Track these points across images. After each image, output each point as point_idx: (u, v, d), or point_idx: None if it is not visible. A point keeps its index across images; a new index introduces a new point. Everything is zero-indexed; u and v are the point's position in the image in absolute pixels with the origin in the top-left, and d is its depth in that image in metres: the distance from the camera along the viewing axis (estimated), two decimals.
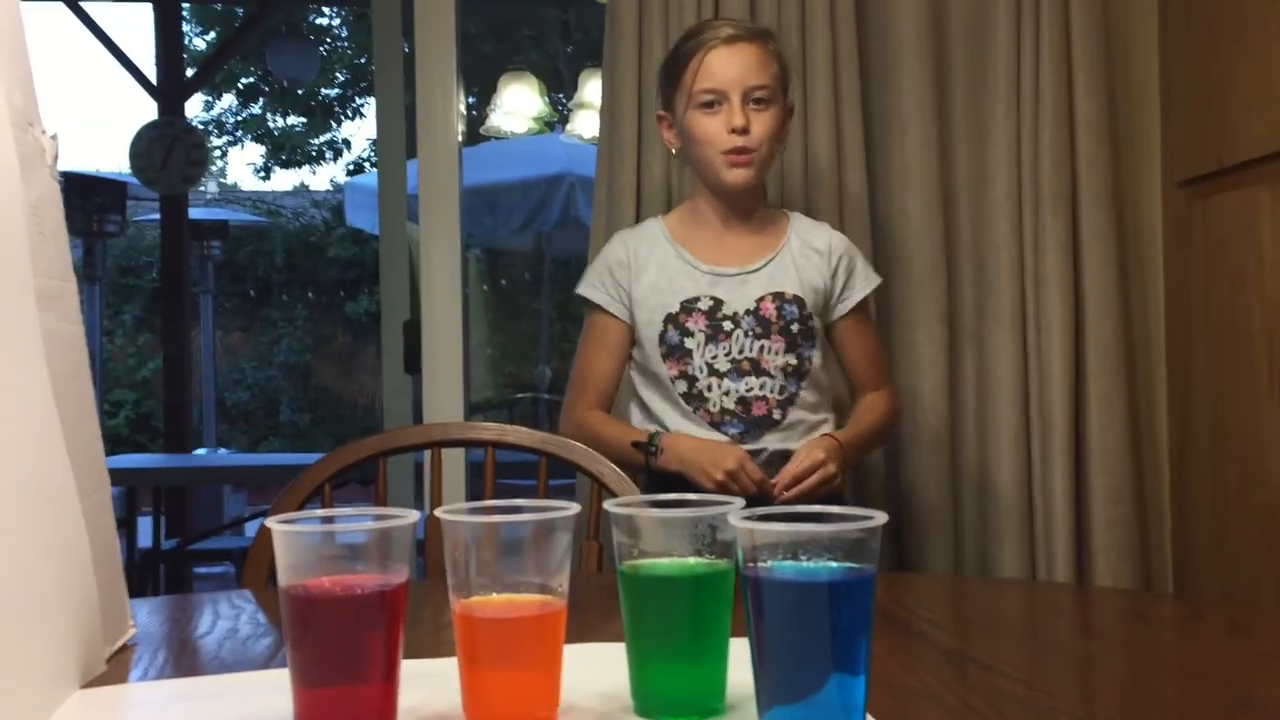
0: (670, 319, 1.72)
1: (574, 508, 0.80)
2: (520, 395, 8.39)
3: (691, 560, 0.80)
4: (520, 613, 0.78)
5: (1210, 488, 2.05)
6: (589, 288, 1.79)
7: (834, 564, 0.72)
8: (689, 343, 1.71)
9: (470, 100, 7.75)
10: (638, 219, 2.09)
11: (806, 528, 0.72)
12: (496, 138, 5.23)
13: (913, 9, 2.08)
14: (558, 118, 5.57)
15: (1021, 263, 2.08)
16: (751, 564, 0.73)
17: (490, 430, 1.65)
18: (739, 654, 0.79)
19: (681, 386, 1.71)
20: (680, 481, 1.65)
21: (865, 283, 1.79)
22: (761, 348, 1.70)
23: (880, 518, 0.73)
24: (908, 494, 2.08)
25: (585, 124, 4.81)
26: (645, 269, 1.75)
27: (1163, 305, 2.20)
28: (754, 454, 1.69)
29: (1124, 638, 1.15)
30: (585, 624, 1.09)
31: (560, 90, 8.50)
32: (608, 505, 0.83)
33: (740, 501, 0.80)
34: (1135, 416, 2.09)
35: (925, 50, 2.08)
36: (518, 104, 4.96)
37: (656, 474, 1.69)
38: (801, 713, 0.72)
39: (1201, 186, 2.07)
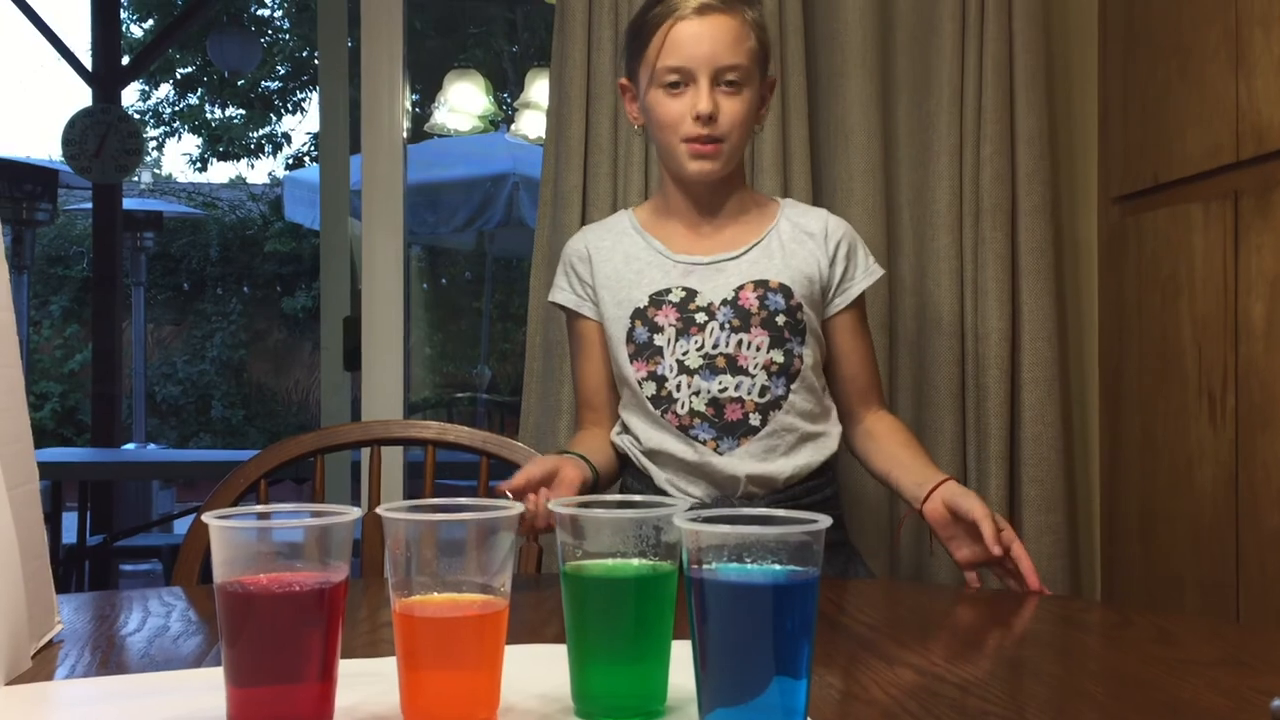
0: (638, 314, 1.52)
1: (517, 507, 0.80)
2: (460, 395, 8.33)
3: (635, 562, 0.80)
4: (462, 612, 0.78)
5: (1139, 497, 2.09)
6: (557, 291, 1.62)
7: (778, 567, 0.73)
8: (658, 339, 1.51)
9: (415, 97, 7.69)
10: (583, 222, 2.09)
11: (751, 530, 0.73)
12: (440, 135, 5.20)
13: (859, 20, 2.10)
14: (503, 117, 5.54)
15: (961, 273, 2.10)
16: (696, 566, 0.73)
17: (431, 429, 1.64)
18: (680, 656, 0.79)
19: (650, 389, 1.51)
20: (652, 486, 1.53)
21: (866, 274, 1.58)
22: (739, 342, 1.49)
23: (824, 521, 0.73)
24: (846, 499, 2.09)
25: (531, 124, 4.79)
26: (608, 260, 1.57)
27: (1096, 317, 2.24)
28: (729, 481, 1.49)
29: (1055, 643, 1.16)
30: (525, 625, 1.08)
31: (506, 89, 8.47)
32: (552, 505, 0.82)
33: (686, 503, 0.80)
34: (1068, 426, 2.13)
35: (871, 61, 2.10)
36: (463, 102, 4.93)
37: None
38: (743, 715, 0.72)
39: (1136, 202, 2.11)
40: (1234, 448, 1.80)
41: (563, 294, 1.61)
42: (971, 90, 2.09)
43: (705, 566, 0.73)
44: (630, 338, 1.53)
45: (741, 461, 1.49)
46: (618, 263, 1.56)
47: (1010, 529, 1.39)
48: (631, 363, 1.52)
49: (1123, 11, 2.15)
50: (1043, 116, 2.10)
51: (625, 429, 1.57)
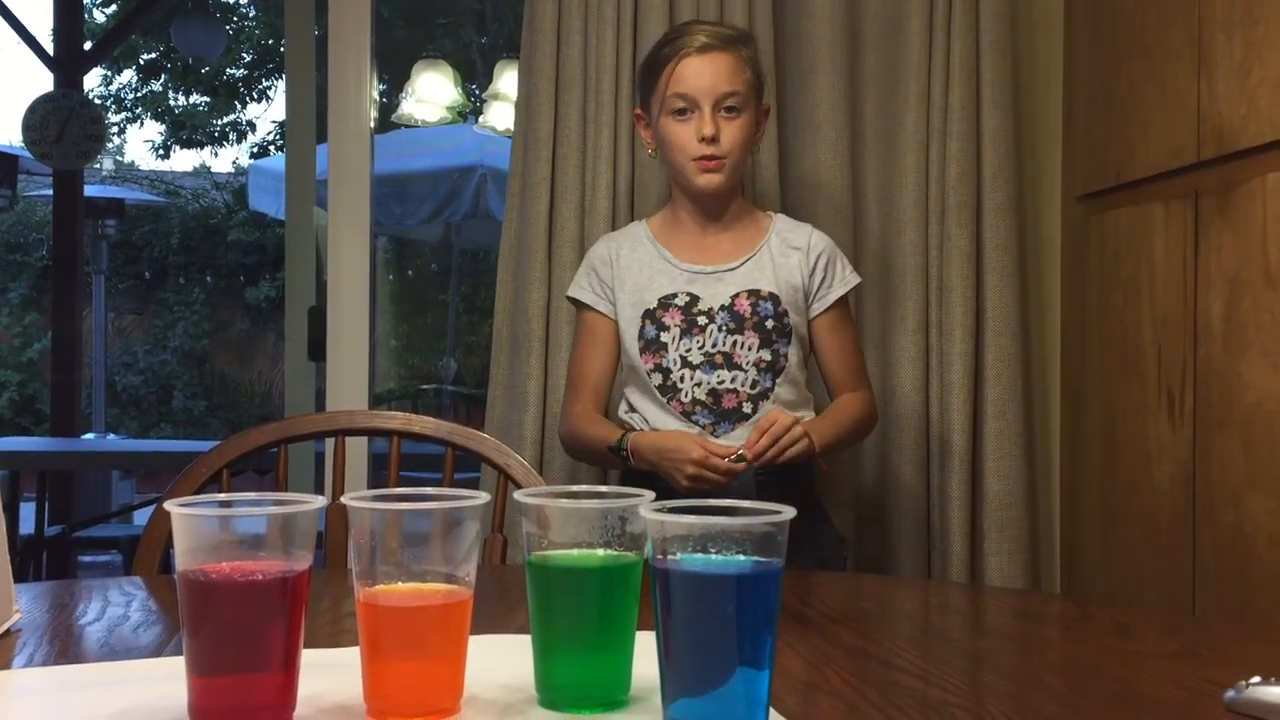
0: (648, 314, 1.75)
1: (483, 496, 0.80)
2: (425, 387, 8.29)
3: (600, 552, 0.80)
4: (426, 602, 0.78)
5: (1099, 494, 2.12)
6: (576, 289, 1.82)
7: (742, 558, 0.73)
8: (664, 336, 1.74)
9: (382, 87, 7.64)
10: (551, 214, 2.09)
11: (716, 520, 0.73)
12: (408, 126, 5.17)
13: (828, 17, 2.11)
14: (471, 108, 5.52)
15: (926, 270, 2.12)
16: (661, 556, 0.73)
17: (396, 419, 1.63)
18: (645, 646, 0.79)
19: (657, 379, 1.74)
20: (656, 479, 1.64)
21: (843, 282, 1.80)
22: (735, 342, 1.72)
23: (789, 512, 0.73)
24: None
25: (499, 115, 4.78)
26: (628, 267, 1.78)
27: (1059, 315, 2.27)
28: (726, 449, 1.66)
29: (1015, 635, 1.18)
30: (489, 616, 1.08)
31: (474, 81, 8.42)
32: (517, 495, 0.82)
33: (650, 495, 0.80)
34: (1029, 423, 2.15)
35: (839, 58, 2.11)
36: (431, 92, 4.91)
37: (632, 471, 1.69)
38: (706, 705, 0.73)
39: (1099, 201, 2.13)
40: (1192, 445, 1.82)
41: (583, 291, 1.82)
42: (939, 88, 2.11)
43: (670, 557, 0.73)
44: (640, 334, 1.76)
45: (736, 441, 1.68)
46: (635, 270, 1.79)
47: (777, 430, 1.57)
48: (641, 355, 1.75)
49: (1088, 12, 2.17)
50: (1008, 114, 2.12)
51: (631, 409, 1.78)
